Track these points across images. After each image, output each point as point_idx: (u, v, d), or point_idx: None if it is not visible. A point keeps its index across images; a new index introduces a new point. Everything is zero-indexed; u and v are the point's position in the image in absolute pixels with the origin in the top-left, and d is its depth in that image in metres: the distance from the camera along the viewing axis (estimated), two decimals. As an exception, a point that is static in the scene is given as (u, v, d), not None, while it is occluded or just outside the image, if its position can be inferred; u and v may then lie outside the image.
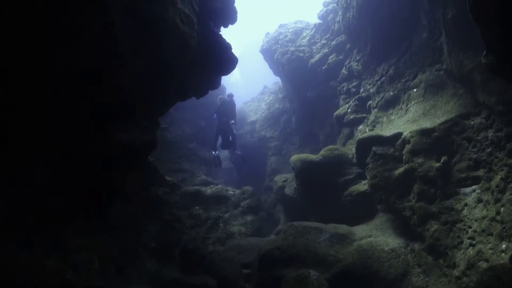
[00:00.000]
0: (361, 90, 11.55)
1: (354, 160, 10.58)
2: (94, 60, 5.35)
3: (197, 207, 14.61)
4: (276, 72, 17.40)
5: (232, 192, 15.23)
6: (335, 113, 12.56)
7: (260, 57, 18.89)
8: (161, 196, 12.84)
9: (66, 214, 6.39)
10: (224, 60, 9.77)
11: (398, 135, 8.56)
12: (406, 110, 9.41)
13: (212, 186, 15.79)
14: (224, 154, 26.17)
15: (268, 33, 17.53)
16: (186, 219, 13.84)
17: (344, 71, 12.71)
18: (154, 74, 6.76)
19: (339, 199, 10.39)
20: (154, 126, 7.45)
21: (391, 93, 10.09)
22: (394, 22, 9.63)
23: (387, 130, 9.65)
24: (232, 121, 16.87)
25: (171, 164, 17.86)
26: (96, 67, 5.44)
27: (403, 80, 9.65)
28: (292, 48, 14.79)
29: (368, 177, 9.27)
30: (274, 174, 17.22)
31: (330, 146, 10.96)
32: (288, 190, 13.57)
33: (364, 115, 11.45)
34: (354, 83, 12.14)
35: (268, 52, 16.70)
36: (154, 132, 6.91)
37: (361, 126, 11.37)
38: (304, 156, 10.93)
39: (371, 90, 11.01)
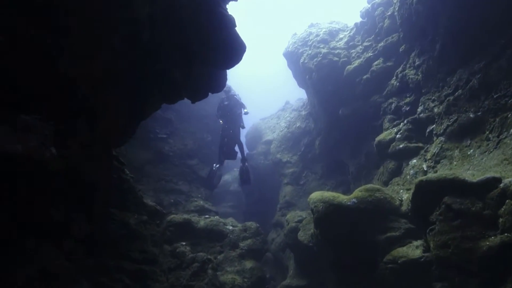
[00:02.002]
0: (419, 109, 8.14)
1: (404, 208, 7.17)
2: None
3: (184, 243, 11.34)
4: (301, 82, 14.15)
5: (231, 227, 11.91)
6: (378, 139, 9.16)
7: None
8: (132, 226, 9.64)
9: None
10: (226, 42, 6.60)
11: (492, 182, 5.14)
12: (498, 143, 5.99)
13: (207, 216, 12.51)
14: (234, 175, 22.94)
15: (295, 34, 14.33)
16: (165, 258, 10.59)
17: (394, 82, 9.35)
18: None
19: (376, 265, 7.04)
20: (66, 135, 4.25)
21: (471, 115, 6.68)
22: (484, 7, 6.28)
23: (461, 170, 6.23)
24: (241, 124, 14.21)
25: (165, 183, 14.73)
26: None
27: (495, 96, 6.25)
28: (324, 50, 11.56)
29: (431, 244, 5.83)
30: (287, 208, 13.82)
31: (370, 186, 7.55)
32: (303, 235, 10.15)
33: (421, 144, 8.04)
34: (408, 99, 8.74)
35: (293, 56, 13.48)
36: (38, 140, 3.67)
37: (414, 160, 7.95)
38: (329, 195, 7.55)
39: (435, 110, 7.60)
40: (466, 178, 5.39)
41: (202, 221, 11.97)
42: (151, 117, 16.09)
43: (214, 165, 14.72)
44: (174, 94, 8.61)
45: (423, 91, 8.15)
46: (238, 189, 20.46)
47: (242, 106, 14.13)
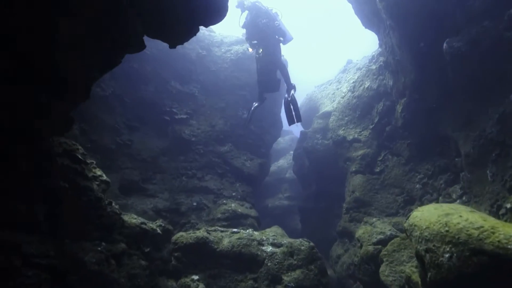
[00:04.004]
0: None
1: None
2: None
3: (196, 277, 7.37)
4: (369, 16, 9.16)
5: (269, 248, 7.64)
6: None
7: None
8: (90, 267, 5.72)
9: None
10: None
11: None
12: None
13: (235, 230, 8.31)
14: (288, 160, 18.56)
15: None
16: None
17: None
18: None
19: None
20: None
21: None
22: None
23: None
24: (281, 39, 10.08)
25: (186, 180, 10.83)
26: None
27: None
28: None
29: None
30: (357, 210, 9.25)
31: None
32: (389, 274, 5.60)
33: None
34: None
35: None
36: None
37: None
38: (467, 225, 2.90)
39: None
40: None
41: (226, 239, 7.84)
42: (165, 93, 12.19)
43: (254, 103, 10.58)
44: (125, 30, 4.40)
45: None
46: (295, 177, 16.14)
47: (269, 15, 9.76)
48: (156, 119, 11.30)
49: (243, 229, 9.15)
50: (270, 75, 9.86)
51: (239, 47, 13.34)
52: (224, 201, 10.36)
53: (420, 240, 3.23)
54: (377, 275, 5.95)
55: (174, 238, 7.74)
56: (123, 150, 10.22)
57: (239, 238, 7.79)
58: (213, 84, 12.59)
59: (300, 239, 7.68)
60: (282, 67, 9.96)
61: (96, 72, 5.42)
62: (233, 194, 11.05)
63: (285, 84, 10.16)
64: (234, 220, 9.66)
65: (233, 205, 10.16)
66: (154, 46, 11.47)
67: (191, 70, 12.41)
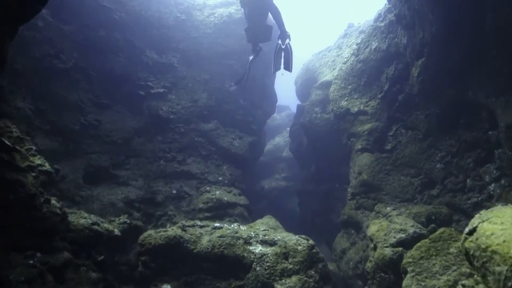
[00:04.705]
0: None
1: None
2: None
3: (167, 286, 5.92)
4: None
5: (259, 249, 6.16)
6: None
7: None
8: (16, 287, 4.25)
9: None
10: None
11: None
12: None
13: (217, 225, 6.82)
14: (285, 137, 17.04)
15: None
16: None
17: None
18: None
19: None
20: None
21: None
22: None
23: None
24: None
25: (164, 164, 9.39)
26: None
27: None
28: None
29: None
30: (365, 195, 7.76)
31: None
32: (417, 290, 4.11)
33: None
34: None
35: None
36: None
37: None
38: None
39: None
40: None
41: (205, 238, 6.39)
42: (139, 64, 10.45)
43: (249, 57, 9.26)
44: None
45: None
46: (292, 156, 14.65)
47: None
48: (129, 94, 9.76)
49: (229, 221, 7.74)
50: (260, 20, 8.39)
51: (224, 9, 11.62)
52: (208, 188, 8.87)
53: (509, 283, 1.73)
54: (397, 286, 4.50)
55: (141, 238, 6.28)
56: (89, 132, 8.73)
57: (221, 236, 6.32)
58: (195, 53, 10.94)
59: (297, 237, 6.20)
60: (274, 10, 8.37)
61: (5, 25, 3.92)
62: (220, 178, 9.56)
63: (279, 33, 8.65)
64: (219, 211, 8.19)
65: (218, 192, 8.66)
66: (124, 10, 9.82)
67: (169, 37, 10.75)
